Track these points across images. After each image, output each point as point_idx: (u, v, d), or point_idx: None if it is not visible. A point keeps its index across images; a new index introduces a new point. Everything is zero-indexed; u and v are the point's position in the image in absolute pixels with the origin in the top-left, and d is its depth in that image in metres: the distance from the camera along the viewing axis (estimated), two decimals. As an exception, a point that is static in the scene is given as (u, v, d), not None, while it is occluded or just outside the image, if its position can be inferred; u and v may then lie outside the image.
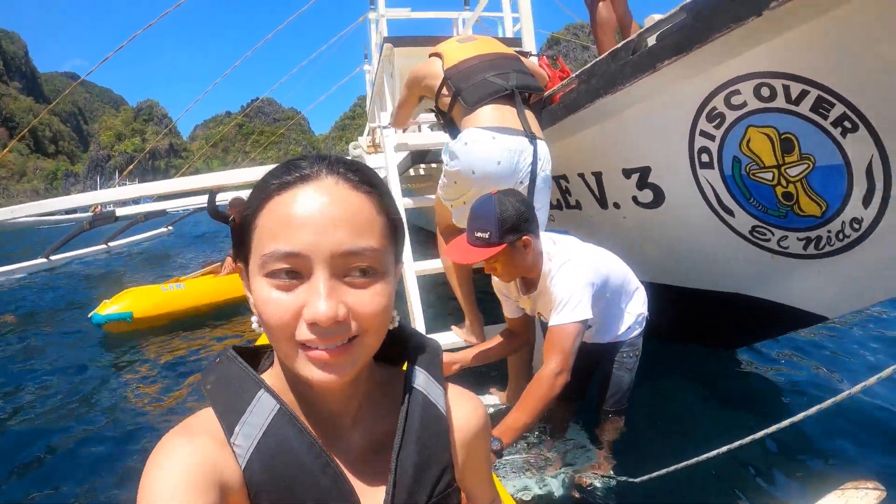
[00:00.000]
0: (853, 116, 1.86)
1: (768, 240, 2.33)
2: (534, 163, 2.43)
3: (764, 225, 2.29)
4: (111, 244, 12.45)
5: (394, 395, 0.76)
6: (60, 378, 3.79)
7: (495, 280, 2.36)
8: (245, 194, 6.52)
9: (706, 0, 1.90)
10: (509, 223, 2.02)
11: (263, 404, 0.66)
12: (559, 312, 2.03)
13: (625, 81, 2.24)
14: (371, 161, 5.23)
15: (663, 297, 2.52)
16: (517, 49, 3.09)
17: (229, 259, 6.57)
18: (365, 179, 0.67)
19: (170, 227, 16.12)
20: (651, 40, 2.14)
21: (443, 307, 3.90)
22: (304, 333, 0.61)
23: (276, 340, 0.64)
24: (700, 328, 2.95)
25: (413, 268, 2.98)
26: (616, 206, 2.87)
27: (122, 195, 7.35)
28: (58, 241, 10.11)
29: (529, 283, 2.25)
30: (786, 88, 1.94)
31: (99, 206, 10.38)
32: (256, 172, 6.03)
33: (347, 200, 0.64)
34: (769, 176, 2.15)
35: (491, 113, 2.49)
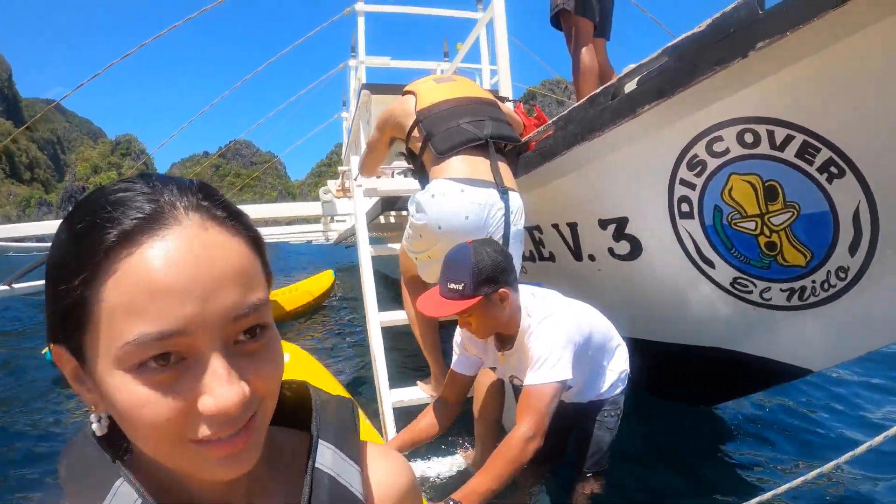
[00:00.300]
0: (840, 161, 1.80)
1: (750, 292, 2.24)
2: (506, 216, 2.30)
3: (746, 276, 2.20)
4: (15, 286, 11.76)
5: (295, 470, 0.59)
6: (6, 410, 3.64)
7: (459, 330, 2.19)
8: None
9: (689, 42, 1.83)
10: (485, 274, 1.88)
11: (121, 498, 0.49)
12: (536, 370, 1.89)
13: (603, 127, 2.14)
14: (340, 206, 5.15)
15: (640, 352, 2.39)
16: (495, 94, 3.00)
17: None
18: (231, 210, 0.52)
19: None
20: (631, 85, 2.04)
21: (407, 360, 3.74)
22: (202, 431, 0.46)
23: (158, 446, 0.47)
24: (679, 385, 2.82)
25: (378, 319, 2.84)
26: (591, 258, 2.75)
27: None
28: (22, 269, 9.19)
29: (505, 339, 2.09)
30: (770, 134, 1.88)
31: None
32: (277, 208, 6.13)
33: (225, 246, 0.49)
34: (752, 225, 2.07)
35: (461, 164, 2.36)
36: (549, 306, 2.01)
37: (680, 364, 2.71)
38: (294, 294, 7.23)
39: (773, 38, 1.60)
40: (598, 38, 3.52)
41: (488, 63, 5.70)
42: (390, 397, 2.64)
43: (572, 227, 2.75)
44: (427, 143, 2.45)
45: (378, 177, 3.93)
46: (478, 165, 2.34)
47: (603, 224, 2.56)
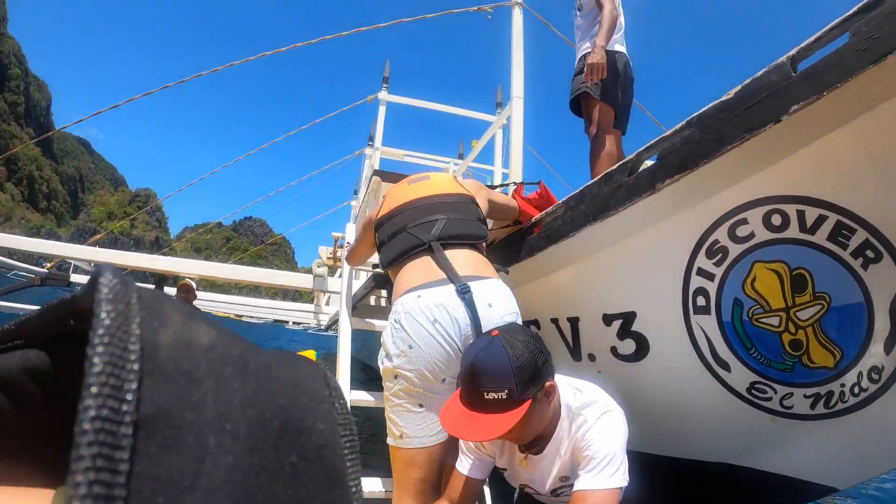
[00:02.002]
0: (877, 244, 1.68)
1: (769, 398, 2.01)
2: (471, 309, 1.95)
3: (765, 381, 1.98)
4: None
5: None
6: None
7: None
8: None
9: (715, 111, 1.70)
10: (529, 371, 1.52)
11: None
12: (598, 473, 1.58)
13: (618, 206, 1.97)
14: (332, 284, 5.04)
15: (640, 469, 2.05)
16: (490, 185, 2.78)
17: None
18: None
19: None
20: (650, 161, 1.85)
21: (375, 446, 3.34)
22: None
23: None
24: None
25: (347, 397, 2.57)
26: (591, 357, 2.49)
27: (93, 255, 6.63)
28: (2, 288, 9.63)
29: (535, 440, 1.74)
30: (800, 214, 1.74)
31: (54, 265, 9.74)
32: (240, 271, 5.82)
33: None
34: (775, 321, 1.88)
35: (411, 271, 2.09)
36: (591, 395, 1.73)
37: (683, 485, 2.38)
38: None
39: (808, 99, 1.48)
40: (616, 130, 3.46)
41: (501, 166, 5.63)
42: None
43: (573, 322, 2.50)
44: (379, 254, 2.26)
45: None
46: (430, 267, 2.06)
47: (608, 319, 2.33)
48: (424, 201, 2.25)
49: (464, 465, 1.86)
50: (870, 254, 1.67)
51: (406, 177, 2.51)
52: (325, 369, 0.31)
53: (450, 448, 2.03)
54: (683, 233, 1.97)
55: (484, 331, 1.92)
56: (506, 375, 1.50)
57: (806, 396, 1.95)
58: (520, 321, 2.00)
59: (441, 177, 2.43)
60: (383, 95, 6.27)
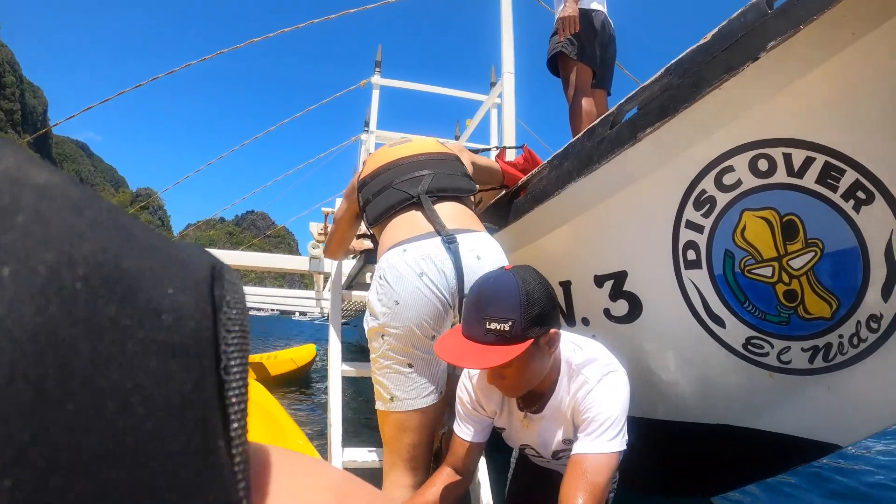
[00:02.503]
0: (867, 184, 1.60)
1: (766, 354, 1.95)
2: (456, 261, 1.89)
3: (761, 335, 1.92)
4: None
5: None
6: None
7: (469, 384, 1.78)
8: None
9: (693, 55, 1.65)
10: (537, 309, 1.44)
11: None
12: (597, 437, 1.49)
13: (601, 160, 1.91)
14: (328, 264, 4.75)
15: (637, 434, 2.00)
16: (473, 147, 2.75)
17: None
18: None
19: None
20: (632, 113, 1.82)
21: (370, 418, 3.26)
22: None
23: None
24: (681, 472, 2.40)
25: (339, 367, 2.59)
26: (585, 321, 2.43)
27: None
28: None
29: (534, 398, 1.67)
30: (787, 158, 1.68)
31: None
32: (242, 257, 5.73)
33: None
34: (768, 272, 1.82)
35: (397, 226, 2.02)
36: (592, 353, 1.63)
37: (679, 448, 2.32)
38: (278, 360, 7.68)
39: (785, 34, 1.43)
40: (598, 90, 3.41)
41: (496, 143, 5.63)
42: (342, 455, 2.23)
43: (565, 286, 2.44)
44: (363, 214, 2.18)
45: (353, 256, 3.53)
46: (416, 221, 1.99)
47: (599, 281, 2.27)
48: (410, 159, 2.19)
49: (463, 430, 1.78)
50: (861, 195, 1.61)
51: None
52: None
53: (442, 410, 1.99)
54: (669, 185, 1.91)
55: (456, 289, 1.89)
56: (512, 307, 1.43)
57: (804, 350, 1.88)
58: None
59: (423, 139, 2.37)
60: (376, 80, 6.23)
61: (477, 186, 2.23)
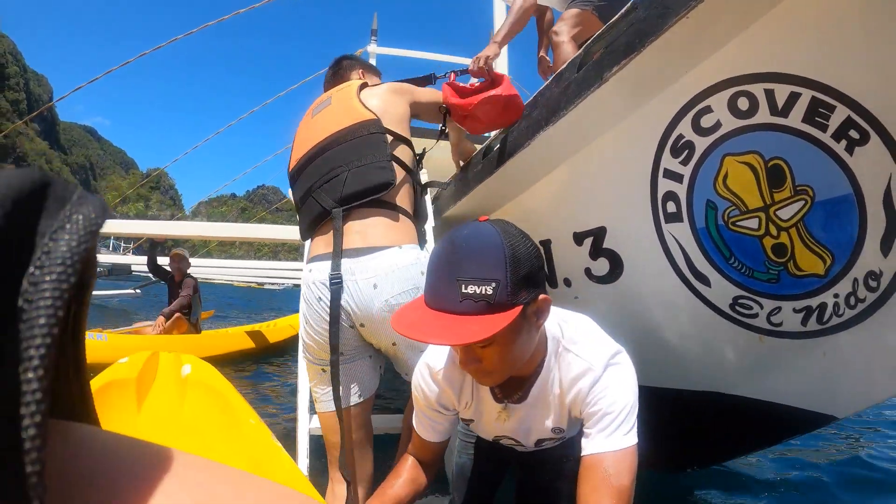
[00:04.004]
0: (861, 122, 1.38)
1: (755, 315, 1.78)
2: (334, 298, 1.79)
3: (749, 294, 1.76)
4: None
5: None
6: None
7: (423, 381, 1.53)
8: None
9: None
10: (525, 267, 1.16)
11: None
12: (615, 431, 1.28)
13: (569, 105, 1.75)
14: None
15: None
16: (411, 79, 2.45)
17: (161, 318, 6.42)
18: None
19: (138, 291, 15.71)
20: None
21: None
22: None
23: None
24: (667, 444, 2.26)
25: None
26: (566, 283, 2.29)
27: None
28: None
29: (516, 384, 1.41)
30: (769, 94, 1.48)
31: None
32: (254, 230, 5.64)
33: None
34: (754, 224, 1.65)
35: (316, 241, 1.95)
36: (582, 330, 1.42)
37: (665, 417, 2.17)
38: (277, 328, 7.63)
39: None
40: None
41: None
42: (308, 422, 2.16)
43: (545, 245, 2.29)
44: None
45: None
46: (328, 238, 1.87)
47: (578, 238, 2.12)
48: (326, 146, 1.96)
49: (423, 429, 1.56)
50: (854, 135, 1.41)
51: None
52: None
53: (366, 414, 1.94)
54: (644, 130, 1.73)
55: (357, 315, 1.80)
56: (496, 263, 1.13)
57: (796, 311, 1.70)
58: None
59: (342, 97, 2.08)
60: (372, 48, 6.11)
61: (397, 175, 1.91)
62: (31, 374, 0.22)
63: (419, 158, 2.19)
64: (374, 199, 1.85)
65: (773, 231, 1.62)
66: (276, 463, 1.80)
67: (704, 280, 1.81)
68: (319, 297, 1.82)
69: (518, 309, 1.14)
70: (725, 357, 1.93)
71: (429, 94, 2.26)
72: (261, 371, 6.31)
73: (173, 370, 2.61)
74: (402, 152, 2.00)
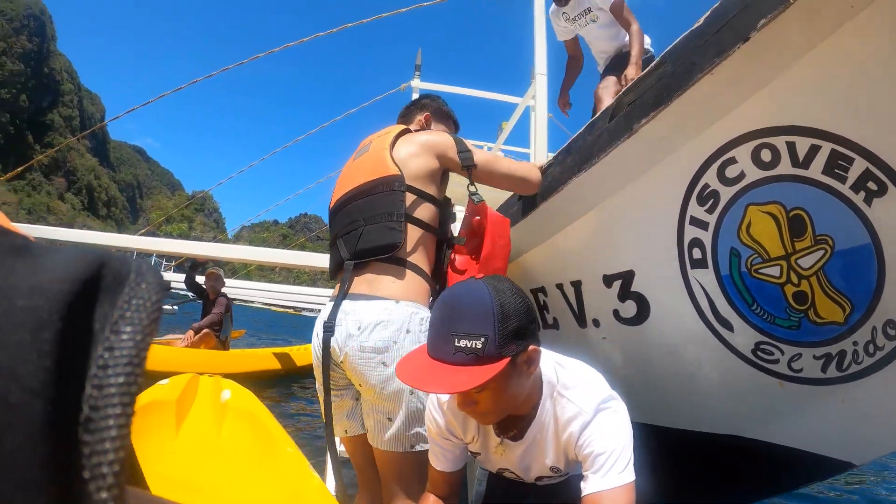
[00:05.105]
0: (879, 174, 1.45)
1: (776, 361, 1.83)
2: (327, 332, 1.88)
3: (771, 340, 1.81)
4: None
5: None
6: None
7: (434, 411, 1.65)
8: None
9: (686, 40, 1.58)
10: (512, 322, 1.29)
11: None
12: (609, 471, 1.36)
13: (601, 153, 1.85)
14: None
15: (644, 442, 1.90)
16: (404, 128, 2.24)
17: (191, 332, 6.70)
18: None
19: (174, 307, 15.83)
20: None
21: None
22: None
23: None
24: (684, 483, 2.27)
25: None
26: (595, 323, 2.35)
27: (140, 245, 6.75)
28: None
29: (512, 423, 1.53)
30: (790, 147, 1.56)
31: None
32: (292, 256, 5.87)
33: None
34: (776, 271, 1.71)
35: (335, 288, 2.07)
36: (578, 375, 1.51)
37: (690, 459, 2.20)
38: (306, 351, 7.69)
39: (776, 10, 1.32)
40: None
41: (533, 146, 5.59)
42: (339, 444, 2.19)
43: (576, 285, 2.36)
44: None
45: None
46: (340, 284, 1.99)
47: (608, 280, 2.19)
48: (352, 198, 2.05)
49: (437, 460, 1.66)
50: (872, 186, 1.48)
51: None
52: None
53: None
54: (672, 179, 1.82)
55: (336, 351, 1.86)
56: (484, 319, 1.27)
57: (816, 357, 1.75)
58: (398, 350, 1.78)
59: (377, 147, 2.10)
60: (416, 83, 6.31)
61: (409, 235, 1.94)
62: (104, 495, 0.20)
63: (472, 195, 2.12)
64: (383, 257, 1.92)
65: (794, 279, 1.68)
66: (311, 493, 1.85)
67: (728, 325, 1.87)
68: (318, 334, 1.92)
69: (506, 360, 1.27)
70: (747, 401, 1.97)
71: (456, 152, 2.10)
72: (291, 391, 6.44)
73: (213, 394, 2.65)
74: (422, 210, 1.99)
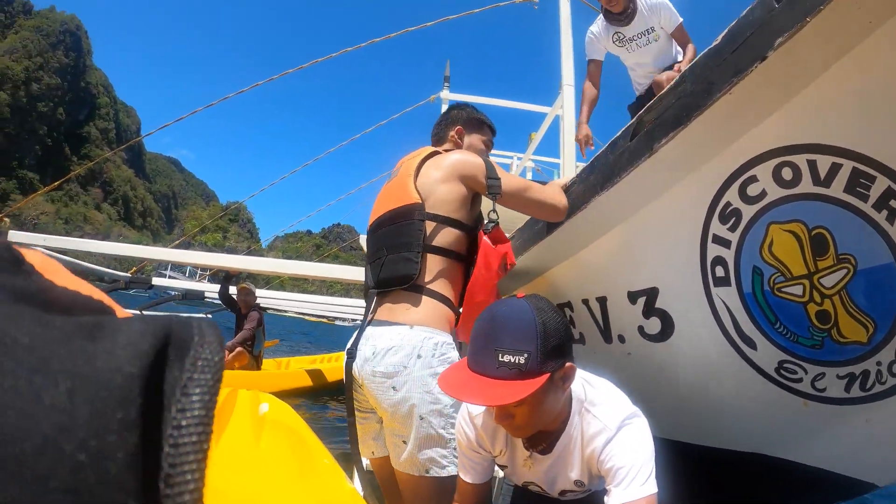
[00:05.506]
0: None
1: (799, 380, 1.82)
2: (351, 357, 1.96)
3: (794, 359, 1.80)
4: (145, 313, 11.63)
5: None
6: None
7: (465, 425, 1.70)
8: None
9: (705, 58, 1.58)
10: (553, 340, 1.35)
11: None
12: (631, 483, 1.39)
13: (622, 172, 1.87)
14: None
15: (668, 458, 1.90)
16: (433, 150, 2.21)
17: (225, 351, 6.24)
18: None
19: (209, 316, 15.41)
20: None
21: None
22: None
23: None
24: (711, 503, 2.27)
25: None
26: (621, 339, 2.37)
27: (175, 258, 7.09)
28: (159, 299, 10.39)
29: (542, 437, 1.57)
30: (812, 165, 1.56)
31: (135, 270, 10.50)
32: (323, 268, 5.98)
33: None
34: (798, 290, 1.71)
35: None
36: (603, 392, 1.56)
37: (714, 476, 2.19)
38: (339, 365, 7.46)
39: (792, 29, 1.32)
40: None
41: (561, 156, 5.60)
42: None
43: (602, 301, 2.38)
44: None
45: None
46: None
47: (632, 297, 2.20)
48: (379, 224, 2.10)
49: (466, 472, 1.72)
50: (894, 204, 1.49)
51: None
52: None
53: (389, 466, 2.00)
54: (694, 197, 1.83)
55: (356, 374, 1.92)
56: (528, 337, 1.32)
57: (839, 377, 1.74)
58: (408, 374, 1.82)
59: (403, 172, 2.11)
60: (445, 94, 6.38)
61: (428, 264, 1.97)
62: None
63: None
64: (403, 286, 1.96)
65: (817, 298, 1.68)
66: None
67: (751, 343, 1.87)
68: (345, 359, 1.99)
69: (546, 376, 1.33)
70: (770, 419, 1.96)
71: (484, 177, 2.06)
72: (323, 405, 6.57)
73: (250, 407, 2.69)
74: (445, 236, 1.99)
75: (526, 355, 1.31)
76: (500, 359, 1.32)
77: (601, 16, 3.98)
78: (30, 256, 0.29)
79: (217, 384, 0.25)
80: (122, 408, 0.22)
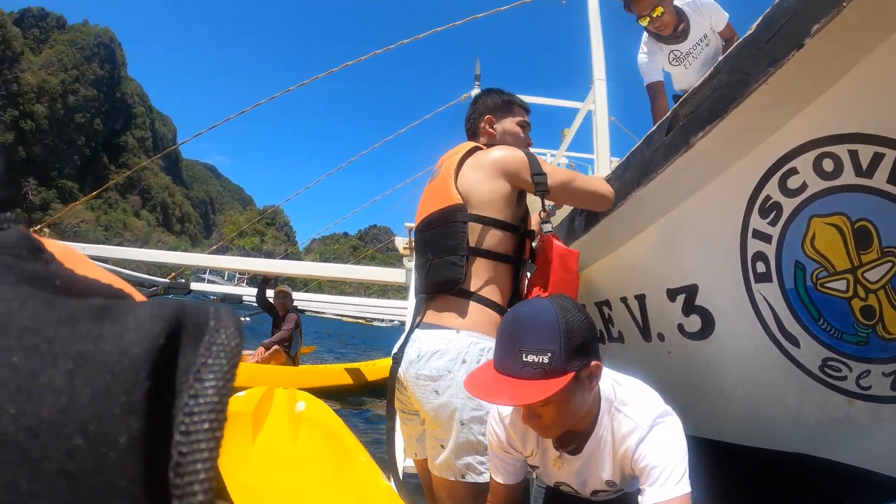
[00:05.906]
0: None
1: (844, 377, 1.77)
2: (398, 355, 2.00)
3: (838, 356, 1.75)
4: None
5: None
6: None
7: (495, 425, 1.71)
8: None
9: (740, 48, 1.55)
10: (577, 339, 1.34)
11: None
12: (665, 482, 1.38)
13: (658, 168, 1.84)
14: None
15: (709, 458, 1.87)
16: (473, 146, 2.17)
17: (261, 348, 6.99)
18: None
19: (246, 318, 16.44)
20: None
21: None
22: None
23: None
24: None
25: None
26: (660, 337, 2.34)
27: (213, 263, 7.05)
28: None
29: (571, 437, 1.56)
30: (853, 155, 1.52)
31: (174, 276, 10.82)
32: (359, 271, 6.22)
33: None
34: (842, 285, 1.66)
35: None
36: (634, 391, 1.55)
37: (756, 476, 2.14)
38: (376, 367, 7.89)
39: (831, 13, 1.29)
40: None
41: (595, 152, 5.55)
42: (402, 462, 2.33)
43: (640, 299, 2.36)
44: None
45: None
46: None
47: (671, 295, 2.17)
48: (423, 227, 2.10)
49: (498, 473, 1.72)
50: (940, 195, 1.45)
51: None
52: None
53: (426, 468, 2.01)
54: (733, 191, 1.80)
55: (402, 375, 1.94)
56: (551, 336, 1.32)
57: (885, 374, 1.68)
58: (451, 379, 1.83)
59: (444, 171, 2.08)
60: (476, 93, 6.39)
61: (473, 267, 1.95)
62: None
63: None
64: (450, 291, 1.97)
65: (862, 293, 1.63)
66: (384, 502, 1.90)
67: (794, 341, 1.83)
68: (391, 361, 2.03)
69: (570, 375, 1.32)
70: (814, 419, 1.91)
71: (529, 173, 2.01)
72: (363, 404, 6.62)
73: (288, 406, 2.75)
74: (490, 238, 1.96)
75: (550, 354, 1.31)
76: (525, 359, 1.32)
77: (646, 35, 3.74)
78: (51, 245, 0.30)
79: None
80: (126, 392, 0.21)
